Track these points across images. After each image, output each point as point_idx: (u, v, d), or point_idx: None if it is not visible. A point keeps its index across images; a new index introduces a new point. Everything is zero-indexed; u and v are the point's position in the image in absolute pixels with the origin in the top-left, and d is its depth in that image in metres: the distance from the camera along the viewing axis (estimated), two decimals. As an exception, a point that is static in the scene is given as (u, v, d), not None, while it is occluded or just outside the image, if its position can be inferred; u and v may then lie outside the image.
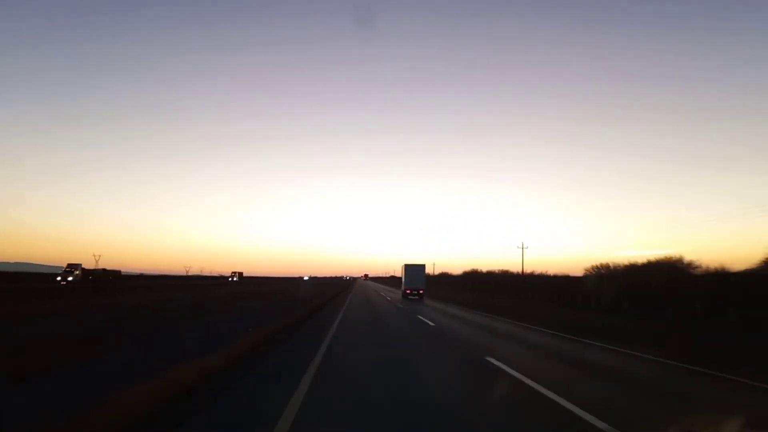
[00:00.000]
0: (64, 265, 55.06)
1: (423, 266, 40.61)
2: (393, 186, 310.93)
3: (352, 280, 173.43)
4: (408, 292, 38.76)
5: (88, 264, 66.81)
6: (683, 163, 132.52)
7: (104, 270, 58.58)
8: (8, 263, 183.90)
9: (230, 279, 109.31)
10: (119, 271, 62.46)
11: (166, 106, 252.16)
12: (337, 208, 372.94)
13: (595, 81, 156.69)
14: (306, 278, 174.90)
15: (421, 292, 39.00)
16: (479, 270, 71.51)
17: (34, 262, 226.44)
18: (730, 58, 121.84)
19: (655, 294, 23.42)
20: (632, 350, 11.41)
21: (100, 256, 69.05)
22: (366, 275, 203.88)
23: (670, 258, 31.62)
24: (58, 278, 53.09)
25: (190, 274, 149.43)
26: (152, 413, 5.16)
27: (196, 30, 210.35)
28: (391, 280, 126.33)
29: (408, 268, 40.22)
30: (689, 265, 30.05)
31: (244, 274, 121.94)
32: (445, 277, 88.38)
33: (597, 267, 39.68)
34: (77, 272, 54.01)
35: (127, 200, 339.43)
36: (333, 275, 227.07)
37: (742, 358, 10.31)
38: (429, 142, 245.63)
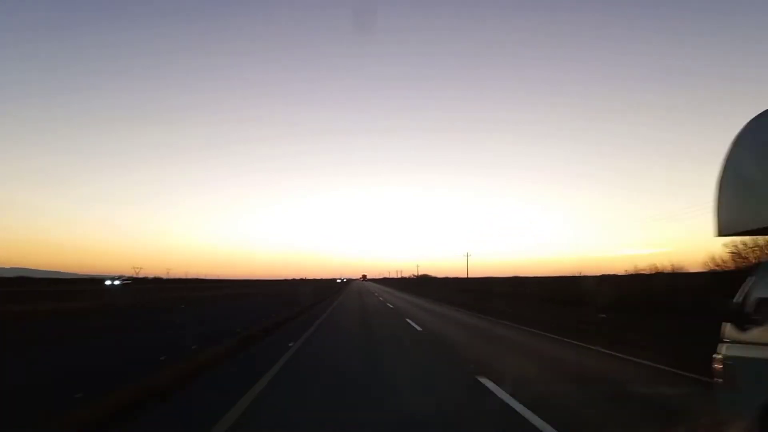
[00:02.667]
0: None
1: None
2: (390, 188, 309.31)
3: (346, 283, 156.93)
4: None
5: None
6: (682, 161, 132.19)
7: None
8: None
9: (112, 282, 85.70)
10: None
11: (154, 107, 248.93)
12: (336, 210, 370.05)
13: (595, 81, 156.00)
14: None
15: None
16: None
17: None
18: (730, 56, 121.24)
19: None
20: None
21: None
22: (364, 276, 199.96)
23: None
24: None
25: (140, 276, 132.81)
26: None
27: (186, 31, 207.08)
28: (402, 284, 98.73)
29: None
30: None
31: (237, 278, 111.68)
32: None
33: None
34: None
35: (117, 202, 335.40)
36: (330, 277, 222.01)
37: None
38: (429, 143, 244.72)
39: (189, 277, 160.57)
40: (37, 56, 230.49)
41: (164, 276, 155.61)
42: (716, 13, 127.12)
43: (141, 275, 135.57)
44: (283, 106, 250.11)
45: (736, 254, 21.86)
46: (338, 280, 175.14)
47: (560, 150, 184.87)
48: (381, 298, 41.76)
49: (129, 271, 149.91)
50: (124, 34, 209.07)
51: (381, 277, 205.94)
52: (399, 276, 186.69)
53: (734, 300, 4.60)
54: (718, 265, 23.55)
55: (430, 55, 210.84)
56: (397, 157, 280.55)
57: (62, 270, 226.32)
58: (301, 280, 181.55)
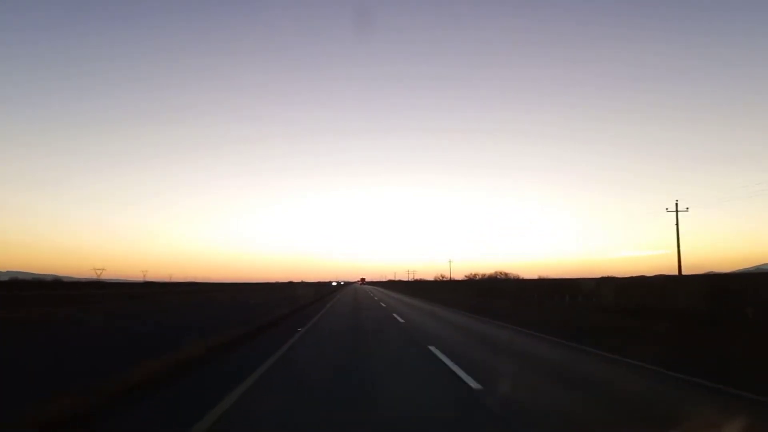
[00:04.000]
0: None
1: None
2: (390, 189, 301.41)
3: (342, 286, 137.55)
4: None
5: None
6: (681, 162, 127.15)
7: None
8: None
9: None
10: None
11: (149, 108, 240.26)
12: (335, 211, 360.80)
13: (595, 83, 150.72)
14: None
15: None
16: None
17: None
18: (730, 57, 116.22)
19: None
20: None
21: None
22: (362, 279, 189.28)
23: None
24: None
25: (101, 278, 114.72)
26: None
27: (182, 32, 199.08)
28: (423, 290, 68.82)
29: None
30: None
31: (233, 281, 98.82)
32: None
33: None
34: None
35: (114, 205, 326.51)
36: (326, 280, 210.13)
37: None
38: (429, 143, 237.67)
39: (171, 280, 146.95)
40: (34, 56, 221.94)
41: (140, 279, 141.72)
42: (716, 15, 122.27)
43: (104, 277, 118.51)
44: (280, 106, 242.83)
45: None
46: (333, 283, 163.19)
47: (560, 150, 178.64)
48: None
49: (133, 274, 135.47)
50: (120, 34, 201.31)
51: (386, 279, 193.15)
52: (412, 278, 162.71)
53: None
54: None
55: (430, 56, 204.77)
56: (396, 158, 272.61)
57: (54, 273, 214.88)
58: (289, 283, 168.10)
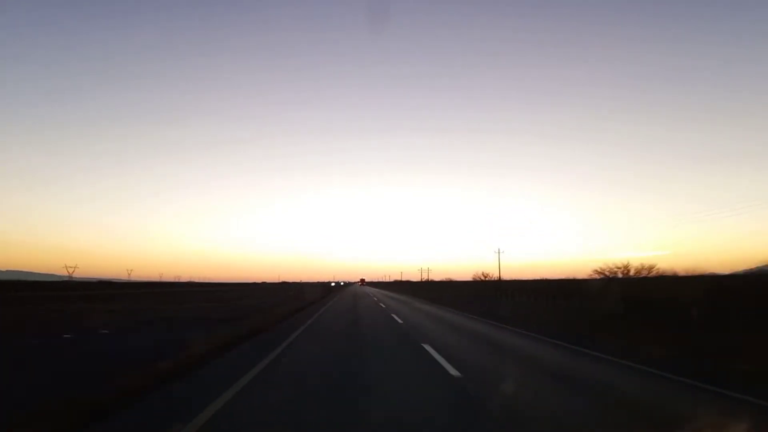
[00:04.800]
0: None
1: None
2: (390, 189, 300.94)
3: (341, 287, 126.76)
4: None
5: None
6: (682, 163, 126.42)
7: None
8: None
9: None
10: None
11: (148, 109, 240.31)
12: (336, 211, 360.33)
13: (596, 82, 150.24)
14: None
15: None
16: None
17: None
18: (731, 57, 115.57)
19: None
20: None
21: None
22: (362, 280, 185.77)
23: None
24: None
25: (74, 277, 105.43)
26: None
27: (183, 32, 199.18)
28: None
29: None
30: None
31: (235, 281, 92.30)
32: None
33: None
34: None
35: (109, 205, 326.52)
36: (326, 280, 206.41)
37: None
38: (429, 143, 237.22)
39: (161, 280, 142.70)
40: (33, 56, 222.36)
41: (125, 278, 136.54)
42: (717, 16, 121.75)
43: (76, 276, 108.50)
44: (280, 106, 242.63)
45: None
46: (332, 284, 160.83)
47: (561, 151, 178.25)
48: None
49: (123, 274, 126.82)
50: (120, 34, 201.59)
51: (390, 279, 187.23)
52: (425, 278, 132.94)
53: None
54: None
55: (431, 56, 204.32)
56: (396, 158, 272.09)
57: (56, 273, 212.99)
58: (283, 283, 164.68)
